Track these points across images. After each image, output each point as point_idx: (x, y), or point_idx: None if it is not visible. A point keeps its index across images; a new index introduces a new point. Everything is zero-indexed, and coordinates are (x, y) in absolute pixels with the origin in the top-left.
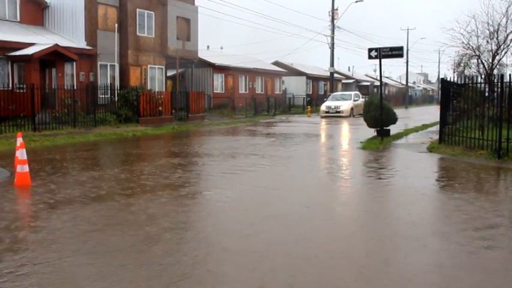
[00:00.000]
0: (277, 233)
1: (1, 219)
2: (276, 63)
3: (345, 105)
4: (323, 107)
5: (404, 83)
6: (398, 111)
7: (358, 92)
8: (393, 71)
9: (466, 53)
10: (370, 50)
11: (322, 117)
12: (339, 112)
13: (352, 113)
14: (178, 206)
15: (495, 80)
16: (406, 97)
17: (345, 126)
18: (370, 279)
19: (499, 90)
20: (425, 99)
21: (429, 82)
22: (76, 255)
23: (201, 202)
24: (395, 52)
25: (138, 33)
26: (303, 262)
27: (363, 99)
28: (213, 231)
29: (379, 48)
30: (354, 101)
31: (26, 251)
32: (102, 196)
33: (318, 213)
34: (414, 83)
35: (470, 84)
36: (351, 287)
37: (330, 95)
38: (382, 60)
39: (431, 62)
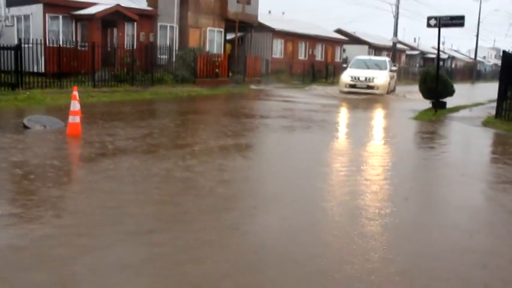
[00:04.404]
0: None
1: (47, 161)
2: (338, 31)
3: (382, 78)
4: (345, 77)
5: (473, 57)
6: (464, 86)
7: (390, 59)
8: (462, 44)
9: None
10: (429, 18)
11: (343, 92)
12: (371, 87)
13: (388, 90)
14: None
15: None
16: (474, 72)
17: (393, 98)
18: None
19: None
20: (495, 75)
21: (501, 57)
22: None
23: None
24: (456, 21)
25: None
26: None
27: (396, 71)
28: None
29: (439, 16)
30: (391, 71)
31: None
32: (146, 147)
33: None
34: (484, 57)
35: None
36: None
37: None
38: (449, 31)
39: (506, 37)
